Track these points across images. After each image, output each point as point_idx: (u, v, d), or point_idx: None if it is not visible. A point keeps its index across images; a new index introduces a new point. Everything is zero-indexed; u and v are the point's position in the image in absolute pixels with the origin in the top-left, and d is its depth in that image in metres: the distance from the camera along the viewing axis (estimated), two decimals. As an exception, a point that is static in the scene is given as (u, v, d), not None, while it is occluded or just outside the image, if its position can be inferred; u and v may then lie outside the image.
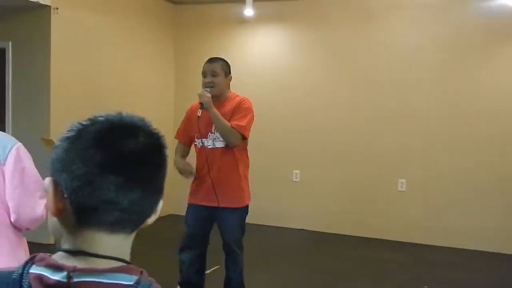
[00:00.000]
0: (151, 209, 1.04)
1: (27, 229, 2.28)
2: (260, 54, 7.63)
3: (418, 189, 6.83)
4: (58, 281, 0.94)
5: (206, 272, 5.23)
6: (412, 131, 6.85)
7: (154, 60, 7.81)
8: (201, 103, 3.90)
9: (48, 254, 1.01)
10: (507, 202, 6.46)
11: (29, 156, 2.28)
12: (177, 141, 4.30)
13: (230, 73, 4.20)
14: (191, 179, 4.09)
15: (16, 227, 2.23)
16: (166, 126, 7.98)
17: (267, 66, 7.58)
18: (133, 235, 1.05)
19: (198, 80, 7.83)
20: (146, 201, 1.01)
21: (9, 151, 2.18)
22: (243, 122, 4.03)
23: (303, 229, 7.20)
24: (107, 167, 0.96)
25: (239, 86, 7.71)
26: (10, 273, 0.98)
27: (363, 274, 5.63)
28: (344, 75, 7.20)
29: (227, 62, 4.22)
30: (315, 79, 7.35)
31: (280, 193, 7.47)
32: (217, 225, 4.24)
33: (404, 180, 6.91)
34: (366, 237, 6.91)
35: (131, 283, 0.96)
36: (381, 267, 5.85)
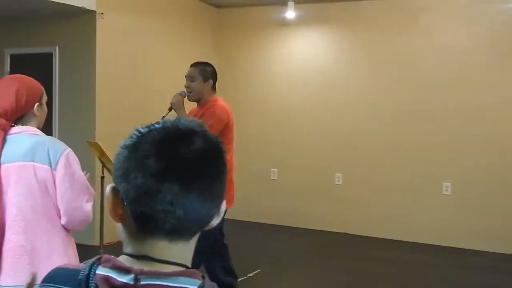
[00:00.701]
0: (211, 215, 1.03)
1: (75, 229, 2.40)
2: (301, 56, 7.60)
3: (463, 192, 6.69)
4: (125, 283, 0.95)
5: (249, 275, 5.26)
6: (459, 133, 6.71)
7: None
8: (171, 103, 3.98)
9: (113, 256, 1.02)
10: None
11: (78, 161, 2.37)
12: None
13: (211, 78, 4.13)
14: None
15: (66, 228, 2.35)
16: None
17: (307, 68, 7.54)
18: (194, 240, 1.04)
19: (240, 83, 8.01)
20: (203, 208, 1.00)
21: (60, 157, 2.27)
22: (208, 123, 4.08)
23: (345, 233, 7.14)
24: (163, 176, 0.96)
25: (280, 88, 7.78)
26: (76, 272, 1.01)
27: (399, 276, 5.55)
28: (387, 77, 7.11)
29: (210, 67, 4.19)
30: (356, 82, 7.28)
31: (322, 196, 7.42)
32: None
33: (449, 184, 6.78)
34: (404, 241, 6.80)
35: (195, 287, 0.97)
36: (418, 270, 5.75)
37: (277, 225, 7.52)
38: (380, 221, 7.07)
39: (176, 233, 1.00)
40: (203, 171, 0.99)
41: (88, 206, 2.36)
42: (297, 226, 7.40)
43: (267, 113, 7.82)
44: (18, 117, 2.30)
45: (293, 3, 7.26)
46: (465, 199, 6.68)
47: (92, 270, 0.99)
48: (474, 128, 6.65)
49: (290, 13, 7.41)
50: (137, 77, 6.70)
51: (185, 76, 4.13)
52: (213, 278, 3.94)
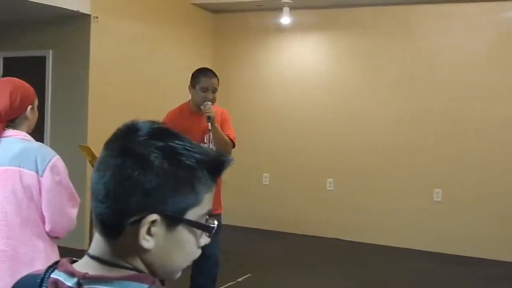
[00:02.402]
0: (129, 207, 0.97)
1: (57, 237, 2.39)
2: (296, 61, 7.63)
3: (453, 199, 6.72)
4: (70, 287, 0.96)
5: (238, 279, 5.26)
6: (462, 141, 6.75)
7: (193, 69, 7.82)
8: (209, 117, 3.83)
9: (74, 258, 1.03)
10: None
11: (65, 168, 2.37)
12: None
13: None
14: None
15: (49, 235, 2.35)
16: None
17: (302, 73, 7.57)
18: (140, 243, 0.97)
19: (235, 88, 8.02)
20: (118, 193, 0.96)
21: (47, 163, 2.27)
22: (233, 133, 4.09)
23: (336, 238, 7.14)
24: (97, 167, 1.00)
25: (275, 93, 7.80)
26: (38, 276, 1.02)
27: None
28: (382, 83, 7.14)
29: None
30: (351, 88, 7.31)
31: (313, 202, 7.44)
32: None
33: (439, 190, 6.82)
34: (396, 247, 6.81)
35: None
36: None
37: (268, 230, 7.53)
38: (371, 227, 7.08)
39: (103, 223, 0.99)
40: (117, 160, 0.97)
41: (73, 214, 2.37)
42: (288, 232, 7.42)
43: (263, 118, 7.83)
44: (11, 119, 2.30)
45: (288, 8, 7.28)
46: (455, 205, 6.71)
47: (47, 273, 1.00)
48: (465, 134, 6.70)
49: (286, 19, 7.43)
50: (131, 82, 6.69)
51: (204, 87, 3.94)
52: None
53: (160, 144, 0.98)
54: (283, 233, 7.45)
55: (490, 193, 6.54)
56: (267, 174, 7.80)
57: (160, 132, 1.01)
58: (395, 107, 7.03)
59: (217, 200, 3.99)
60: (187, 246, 1.03)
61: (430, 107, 6.86)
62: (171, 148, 0.99)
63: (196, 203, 1.01)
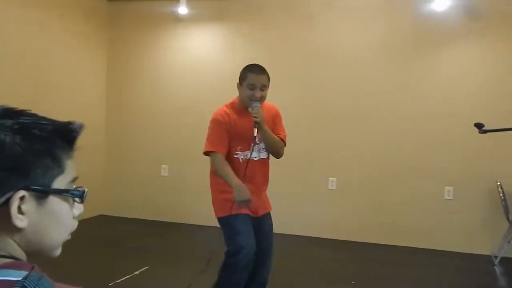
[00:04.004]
0: None
1: None
2: (195, 52, 7.58)
3: (349, 187, 6.97)
4: None
5: (135, 272, 5.21)
6: (358, 132, 6.97)
7: (85, 59, 7.61)
8: (256, 122, 3.63)
9: None
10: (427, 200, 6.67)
11: None
12: None
13: None
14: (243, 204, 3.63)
15: None
16: (97, 126, 7.86)
17: (202, 64, 7.53)
18: (14, 223, 0.98)
19: (132, 79, 7.87)
20: None
21: None
22: (284, 131, 3.99)
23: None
24: None
25: (174, 84, 7.72)
26: None
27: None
28: (284, 75, 7.21)
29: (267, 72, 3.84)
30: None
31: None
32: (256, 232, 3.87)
33: (334, 179, 7.05)
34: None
35: (19, 278, 0.93)
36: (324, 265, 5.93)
37: (167, 222, 7.56)
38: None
39: None
40: None
41: None
42: (188, 223, 7.46)
43: (161, 109, 7.76)
44: None
45: (185, -1, 7.24)
46: (347, 192, 6.95)
47: None
48: (364, 126, 6.96)
49: (183, 9, 7.38)
50: (19, 71, 6.38)
51: (250, 85, 3.70)
52: None
53: (9, 122, 0.99)
54: (182, 224, 7.45)
55: (376, 179, 6.86)
56: (166, 166, 7.75)
57: (7, 113, 1.02)
58: (293, 98, 7.15)
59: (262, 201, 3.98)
60: (62, 217, 1.05)
61: (323, 96, 7.05)
62: (20, 124, 1.00)
63: (59, 172, 1.04)
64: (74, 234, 1.11)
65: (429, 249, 6.62)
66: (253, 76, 3.72)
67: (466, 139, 6.41)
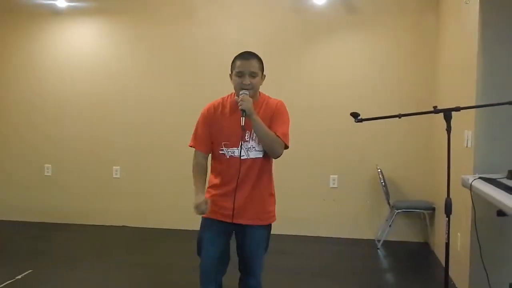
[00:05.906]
0: None
1: None
2: (75, 46, 7.32)
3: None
4: None
5: (17, 277, 4.99)
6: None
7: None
8: (243, 110, 3.10)
9: None
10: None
11: None
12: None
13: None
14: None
15: None
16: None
17: (82, 59, 7.29)
18: None
19: (6, 75, 7.47)
20: None
21: None
22: (284, 130, 3.29)
23: (146, 227, 7.10)
24: None
25: (54, 80, 7.43)
26: None
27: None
28: (167, 70, 7.15)
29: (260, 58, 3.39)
30: (136, 73, 7.22)
31: (98, 191, 7.29)
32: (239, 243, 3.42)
33: (118, 167, 7.17)
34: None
35: None
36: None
37: (52, 223, 7.32)
38: (157, 211, 7.16)
39: None
40: None
41: None
42: (73, 223, 7.27)
43: (39, 106, 7.45)
44: None
45: (64, -9, 6.99)
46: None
47: None
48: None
49: (62, 2, 7.14)
50: None
51: (238, 72, 3.28)
52: None
53: None
54: (68, 224, 7.22)
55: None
56: (49, 165, 7.46)
57: None
58: (171, 91, 7.14)
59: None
60: None
61: (203, 93, 7.03)
62: None
63: None
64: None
65: (317, 236, 6.83)
66: (240, 62, 3.30)
67: (349, 128, 6.63)
